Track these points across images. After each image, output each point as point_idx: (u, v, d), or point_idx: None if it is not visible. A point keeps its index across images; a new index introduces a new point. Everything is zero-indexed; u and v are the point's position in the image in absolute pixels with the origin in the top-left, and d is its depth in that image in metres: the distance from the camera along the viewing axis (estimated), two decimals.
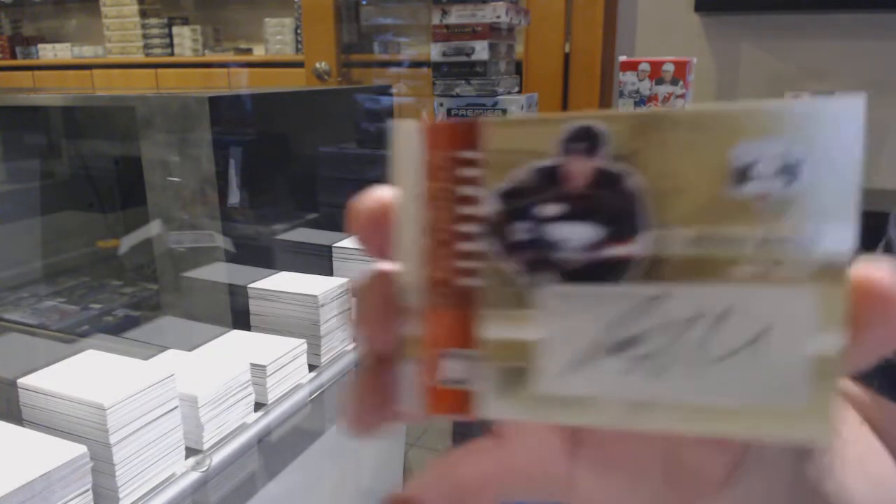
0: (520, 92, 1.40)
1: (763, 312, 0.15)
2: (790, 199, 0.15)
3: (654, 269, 0.16)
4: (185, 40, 3.13)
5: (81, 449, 0.58)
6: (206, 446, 0.71)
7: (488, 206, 0.17)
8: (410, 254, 0.18)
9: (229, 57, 3.05)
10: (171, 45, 3.16)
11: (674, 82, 1.14)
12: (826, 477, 0.26)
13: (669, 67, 1.14)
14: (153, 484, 0.65)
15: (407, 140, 0.18)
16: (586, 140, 0.16)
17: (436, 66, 1.37)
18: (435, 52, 1.35)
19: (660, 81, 1.15)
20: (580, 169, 0.16)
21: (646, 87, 1.16)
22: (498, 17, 1.27)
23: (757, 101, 0.15)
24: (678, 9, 1.84)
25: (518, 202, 0.17)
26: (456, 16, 1.29)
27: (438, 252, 0.18)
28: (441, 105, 1.36)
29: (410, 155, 0.17)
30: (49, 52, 3.46)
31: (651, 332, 0.16)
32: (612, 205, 0.16)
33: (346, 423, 0.19)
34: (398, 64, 2.52)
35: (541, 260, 0.17)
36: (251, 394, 0.77)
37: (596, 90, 1.93)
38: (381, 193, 0.18)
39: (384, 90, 1.56)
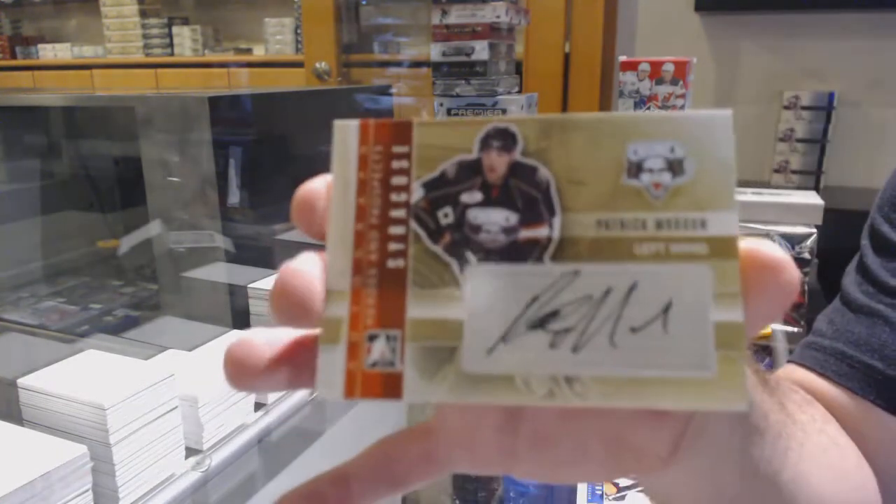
0: (520, 92, 1.40)
1: (666, 286, 0.17)
2: (680, 189, 0.18)
3: (566, 250, 0.18)
4: (185, 40, 3.13)
5: (81, 449, 0.58)
6: (206, 446, 0.71)
7: (416, 193, 0.19)
8: (341, 237, 0.19)
9: (229, 57, 3.05)
10: (171, 45, 3.16)
11: (674, 82, 1.14)
12: (782, 464, 0.27)
13: (669, 67, 1.14)
14: (153, 484, 0.65)
15: (345, 136, 0.19)
16: (502, 139, 0.18)
17: (435, 66, 1.37)
18: (434, 51, 1.35)
19: (660, 81, 1.14)
20: (498, 162, 0.18)
21: (646, 86, 1.16)
22: (498, 16, 1.27)
23: (645, 112, 0.18)
24: (678, 8, 1.84)
25: (443, 190, 0.19)
26: (455, 16, 1.29)
27: (369, 235, 0.19)
28: (441, 105, 1.36)
29: (348, 149, 0.19)
30: (49, 52, 3.46)
31: (569, 307, 0.17)
32: (525, 193, 0.18)
33: (229, 369, 0.19)
34: (398, 64, 2.52)
35: (464, 241, 0.18)
36: (251, 394, 0.77)
37: (596, 90, 1.93)
38: (317, 181, 0.20)
39: (384, 90, 1.56)
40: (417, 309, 0.18)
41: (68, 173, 1.35)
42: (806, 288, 0.99)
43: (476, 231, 0.18)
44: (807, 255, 0.99)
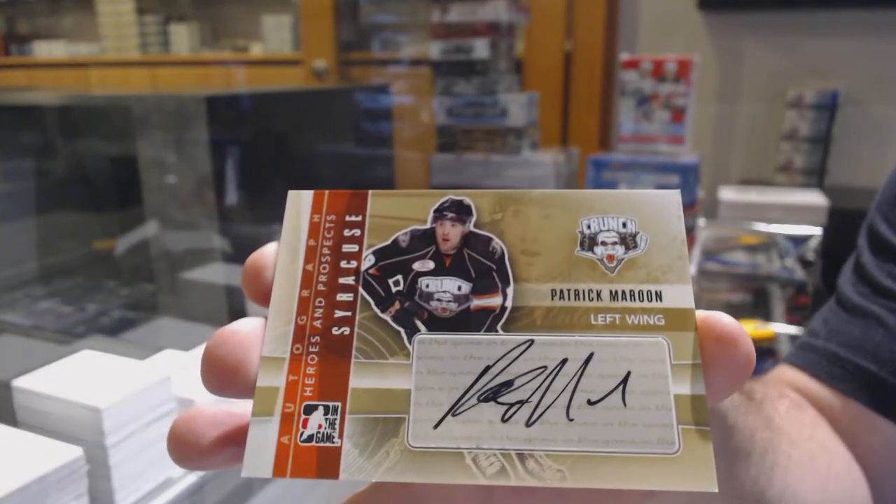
0: (520, 90, 1.40)
1: (623, 357, 0.17)
2: (633, 261, 0.18)
3: (520, 320, 0.17)
4: (182, 38, 3.12)
5: (77, 452, 0.57)
6: None
7: (367, 261, 0.18)
8: (284, 303, 0.18)
9: (227, 55, 3.04)
10: (167, 42, 3.15)
11: (676, 81, 1.13)
12: (769, 481, 0.27)
13: (672, 66, 1.13)
14: (150, 487, 0.64)
15: (297, 203, 0.19)
16: (457, 210, 0.19)
17: (435, 65, 1.36)
18: (434, 50, 1.34)
19: (662, 80, 1.14)
20: (452, 232, 0.18)
21: (648, 85, 1.15)
22: (498, 15, 1.26)
23: (596, 190, 0.19)
24: (681, 6, 1.83)
25: (395, 258, 0.18)
26: (456, 14, 1.28)
27: (314, 302, 0.18)
28: (441, 104, 1.36)
29: (300, 217, 0.19)
30: (44, 50, 3.44)
31: (523, 377, 0.17)
32: (478, 263, 0.18)
33: (171, 447, 0.18)
34: (397, 62, 2.51)
35: (414, 309, 0.18)
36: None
37: (597, 88, 1.92)
38: (268, 247, 0.19)
39: (383, 89, 1.55)
40: (362, 379, 0.17)
41: (64, 173, 1.34)
42: (810, 289, 0.98)
43: (427, 299, 0.18)
44: (811, 257, 0.98)
